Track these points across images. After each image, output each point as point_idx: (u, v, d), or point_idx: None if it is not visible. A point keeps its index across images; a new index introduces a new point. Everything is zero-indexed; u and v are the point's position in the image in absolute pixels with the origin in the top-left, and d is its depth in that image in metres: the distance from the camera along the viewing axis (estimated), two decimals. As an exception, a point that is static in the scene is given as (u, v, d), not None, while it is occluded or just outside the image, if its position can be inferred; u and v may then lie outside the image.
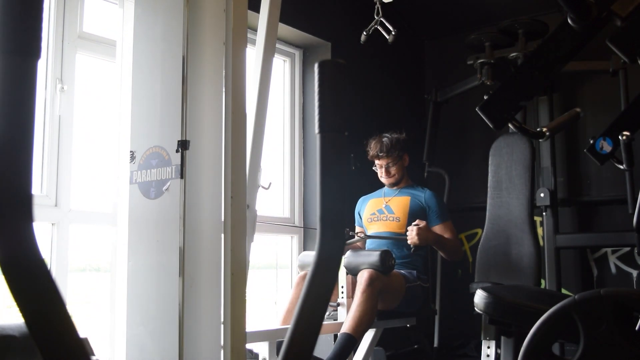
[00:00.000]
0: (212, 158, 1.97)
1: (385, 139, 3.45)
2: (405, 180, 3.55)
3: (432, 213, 3.40)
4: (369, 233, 3.46)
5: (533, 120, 4.11)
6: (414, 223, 3.24)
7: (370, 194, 3.63)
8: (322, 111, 0.78)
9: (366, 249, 3.45)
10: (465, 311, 3.15)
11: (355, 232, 3.46)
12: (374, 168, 3.55)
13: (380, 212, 3.48)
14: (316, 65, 0.80)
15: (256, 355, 2.70)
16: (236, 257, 1.88)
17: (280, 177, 3.99)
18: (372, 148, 3.47)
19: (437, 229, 3.36)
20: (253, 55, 2.33)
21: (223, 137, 1.95)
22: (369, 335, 2.98)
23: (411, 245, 3.23)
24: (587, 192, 4.20)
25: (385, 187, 3.57)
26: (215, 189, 1.95)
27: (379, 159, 3.49)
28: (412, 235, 3.20)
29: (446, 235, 3.36)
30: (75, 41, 2.83)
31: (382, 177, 3.52)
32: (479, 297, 2.23)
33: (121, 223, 2.16)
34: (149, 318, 2.01)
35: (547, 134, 2.10)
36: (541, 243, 3.88)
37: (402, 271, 3.22)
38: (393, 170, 3.49)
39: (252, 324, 2.48)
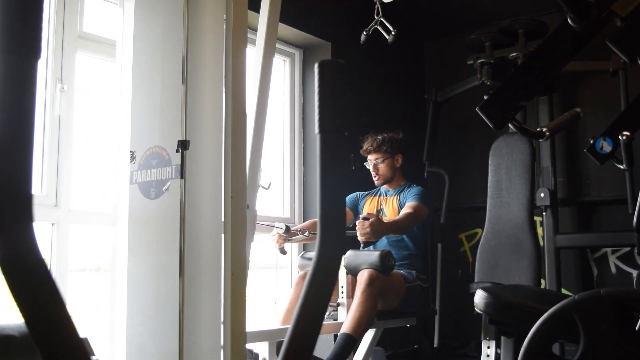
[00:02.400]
0: (212, 158, 1.97)
1: (378, 136, 3.44)
2: (398, 180, 3.48)
3: (409, 194, 3.35)
4: None
5: (533, 120, 4.11)
6: (362, 216, 2.97)
7: (370, 192, 3.60)
8: (322, 111, 0.78)
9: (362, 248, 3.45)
10: (465, 311, 3.15)
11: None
12: (365, 164, 3.53)
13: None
14: (316, 65, 0.80)
15: (256, 355, 2.70)
16: (236, 257, 1.88)
17: (280, 177, 3.98)
18: (365, 144, 3.48)
19: (406, 205, 3.27)
20: (253, 55, 2.33)
21: (223, 137, 1.95)
22: (369, 335, 2.98)
23: (361, 242, 2.92)
24: (587, 192, 4.20)
25: (382, 187, 3.56)
26: (215, 189, 1.96)
27: (369, 154, 3.48)
28: (364, 230, 2.88)
29: (408, 210, 3.20)
30: (75, 41, 2.83)
31: (373, 175, 3.51)
32: (479, 297, 2.23)
33: (121, 223, 2.16)
34: (149, 318, 2.00)
35: (547, 134, 2.10)
36: (541, 243, 3.87)
37: (402, 271, 3.21)
38: (381, 167, 3.43)
39: (252, 324, 2.48)
